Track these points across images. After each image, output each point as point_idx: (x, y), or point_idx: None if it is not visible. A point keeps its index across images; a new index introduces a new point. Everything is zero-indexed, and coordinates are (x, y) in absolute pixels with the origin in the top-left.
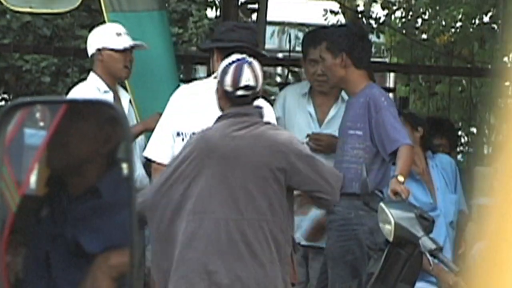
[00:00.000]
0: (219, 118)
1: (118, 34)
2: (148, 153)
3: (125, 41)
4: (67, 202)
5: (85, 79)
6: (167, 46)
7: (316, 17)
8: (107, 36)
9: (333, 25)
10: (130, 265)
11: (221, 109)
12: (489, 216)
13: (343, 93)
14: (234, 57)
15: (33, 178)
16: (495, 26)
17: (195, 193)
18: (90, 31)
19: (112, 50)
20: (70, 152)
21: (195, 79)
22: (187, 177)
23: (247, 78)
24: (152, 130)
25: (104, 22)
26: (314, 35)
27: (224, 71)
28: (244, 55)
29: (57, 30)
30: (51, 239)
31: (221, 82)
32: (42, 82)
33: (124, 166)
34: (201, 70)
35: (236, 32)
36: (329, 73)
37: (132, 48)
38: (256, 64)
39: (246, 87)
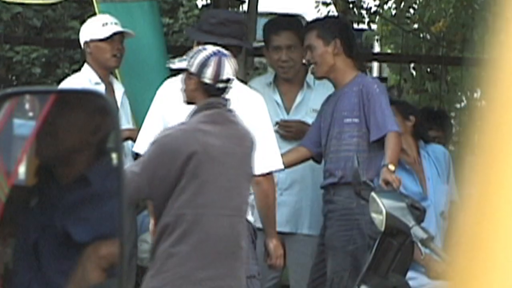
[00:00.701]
0: (199, 111)
1: (104, 24)
2: (138, 148)
3: (110, 30)
4: (56, 192)
5: (76, 70)
6: (157, 36)
7: (307, 8)
8: (92, 28)
9: (291, 15)
10: (120, 256)
11: (190, 100)
12: (468, 208)
13: (308, 79)
14: (211, 49)
15: (22, 169)
16: (486, 14)
17: (192, 189)
18: (81, 22)
19: (97, 40)
20: (59, 142)
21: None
22: (184, 175)
23: (228, 71)
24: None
25: (94, 13)
26: (276, 22)
27: (204, 64)
28: (218, 48)
29: (47, 21)
30: (40, 229)
31: (199, 74)
32: (32, 73)
33: (114, 156)
34: None
35: (227, 27)
36: (319, 61)
37: (119, 36)
38: (231, 56)
39: (227, 80)
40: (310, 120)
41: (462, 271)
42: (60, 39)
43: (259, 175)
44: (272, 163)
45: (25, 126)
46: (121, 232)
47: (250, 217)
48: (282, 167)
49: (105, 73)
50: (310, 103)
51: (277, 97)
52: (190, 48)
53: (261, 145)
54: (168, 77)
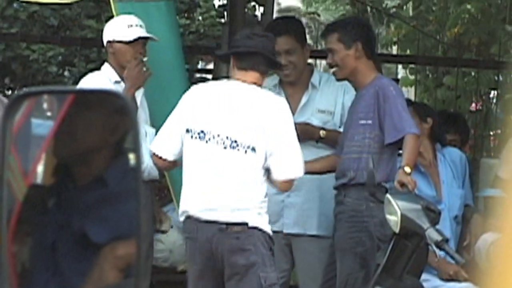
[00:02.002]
0: None
1: (130, 26)
2: (154, 148)
3: (134, 33)
4: (73, 192)
5: (95, 69)
6: (174, 36)
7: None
8: (117, 28)
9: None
10: (137, 256)
11: None
12: (504, 209)
13: (313, 80)
14: None
15: (40, 168)
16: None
17: None
18: (97, 21)
19: (121, 42)
20: (77, 142)
21: (201, 69)
22: None
23: None
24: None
25: (111, 12)
26: (272, 27)
27: None
28: None
29: (64, 20)
30: (57, 229)
31: None
32: (49, 72)
33: (131, 156)
34: (207, 61)
35: (252, 40)
36: (341, 65)
37: (143, 39)
38: None
39: None
40: (315, 120)
41: (493, 275)
42: (76, 38)
43: (280, 181)
44: (294, 170)
45: (43, 126)
46: (138, 232)
47: (264, 226)
48: (302, 174)
49: None
50: (315, 103)
51: None
52: (206, 48)
53: (284, 151)
54: (187, 78)
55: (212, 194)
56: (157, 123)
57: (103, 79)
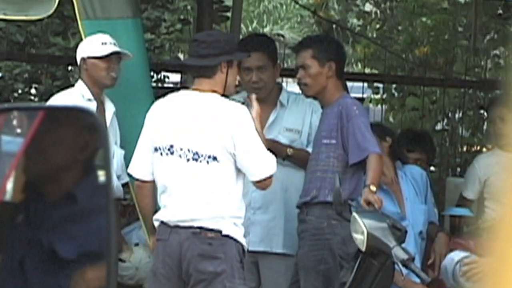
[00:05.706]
0: None
1: (103, 43)
2: (130, 170)
3: (108, 49)
4: (43, 209)
5: (59, 86)
6: (141, 54)
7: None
8: (91, 46)
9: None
10: (107, 273)
11: None
12: (495, 231)
13: (282, 98)
14: None
15: (9, 185)
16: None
17: None
18: (63, 38)
19: (95, 58)
20: (47, 159)
21: (167, 87)
22: None
23: None
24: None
25: (78, 29)
26: (246, 43)
27: None
28: None
29: (30, 37)
30: (26, 246)
31: None
32: (15, 89)
33: (101, 173)
34: (172, 78)
35: (192, 49)
36: (312, 81)
37: (116, 56)
38: None
39: None
40: (283, 139)
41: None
42: (42, 55)
43: (260, 181)
44: (269, 167)
45: (13, 143)
46: (109, 249)
47: (238, 237)
48: (275, 169)
49: (99, 91)
50: (283, 122)
51: None
52: (172, 65)
53: (254, 153)
54: (153, 96)
55: (184, 206)
56: (123, 141)
57: (76, 96)
